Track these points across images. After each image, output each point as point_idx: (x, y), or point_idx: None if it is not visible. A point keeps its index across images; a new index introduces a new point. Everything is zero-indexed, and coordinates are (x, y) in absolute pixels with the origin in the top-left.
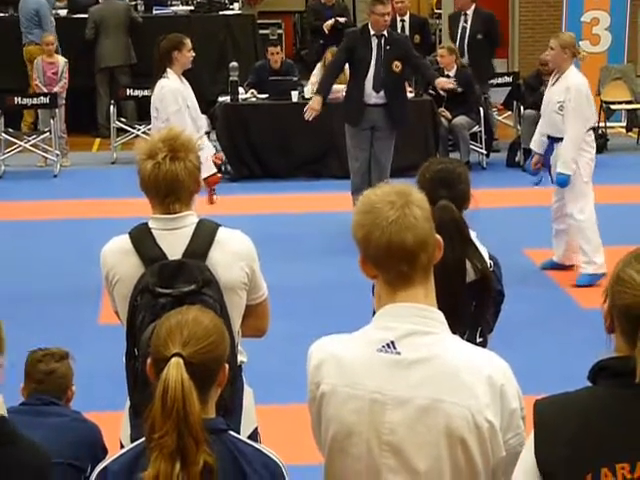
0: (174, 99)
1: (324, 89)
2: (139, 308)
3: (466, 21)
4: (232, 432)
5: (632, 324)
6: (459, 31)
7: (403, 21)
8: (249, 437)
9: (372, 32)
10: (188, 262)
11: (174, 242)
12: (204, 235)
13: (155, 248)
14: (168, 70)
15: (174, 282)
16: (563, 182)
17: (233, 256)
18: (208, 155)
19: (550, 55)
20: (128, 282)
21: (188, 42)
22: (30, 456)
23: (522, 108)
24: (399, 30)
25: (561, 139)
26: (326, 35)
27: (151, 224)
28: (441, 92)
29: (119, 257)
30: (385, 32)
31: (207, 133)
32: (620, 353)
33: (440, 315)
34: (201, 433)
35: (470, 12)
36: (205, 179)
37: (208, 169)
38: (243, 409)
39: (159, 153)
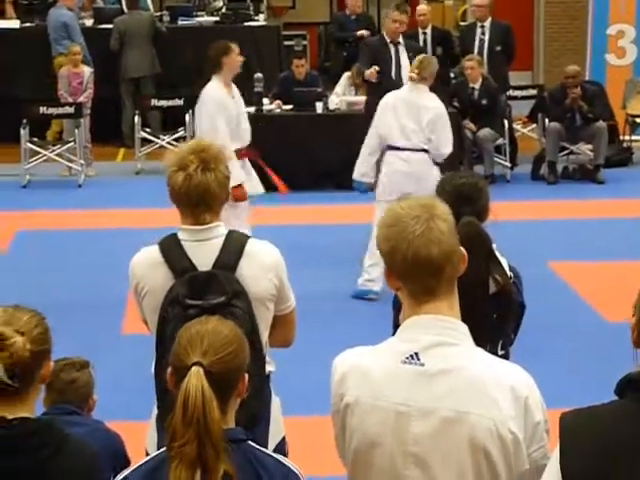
0: (208, 103)
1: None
2: (169, 319)
3: (483, 33)
4: (252, 442)
5: None
6: (476, 43)
7: (425, 33)
8: (277, 446)
9: (388, 40)
10: (218, 274)
11: (204, 253)
12: (233, 247)
13: (185, 259)
14: (213, 77)
15: (204, 294)
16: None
17: (262, 268)
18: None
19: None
20: (157, 293)
21: (235, 47)
22: (81, 458)
23: (547, 121)
24: (421, 42)
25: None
26: (350, 48)
27: (180, 235)
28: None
29: (148, 268)
30: (401, 40)
31: None
32: None
33: (464, 327)
34: (221, 442)
35: (487, 24)
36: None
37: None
38: (271, 418)
39: (190, 165)
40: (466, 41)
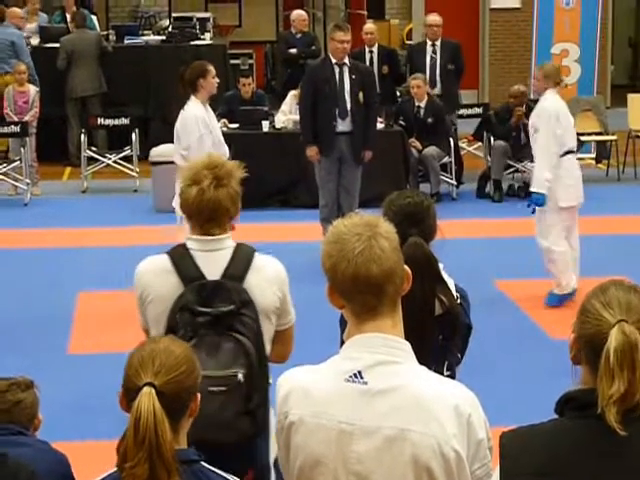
0: (195, 126)
1: (311, 135)
2: (178, 326)
3: (435, 52)
4: (204, 463)
5: (595, 354)
6: (428, 62)
7: (371, 52)
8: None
9: (333, 61)
10: (226, 283)
11: (212, 263)
12: (242, 259)
13: (194, 268)
14: (192, 97)
15: (212, 302)
16: (538, 201)
17: (268, 281)
18: None
19: (534, 85)
20: (164, 301)
21: (212, 69)
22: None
23: (492, 139)
24: (367, 61)
25: None
26: (294, 64)
27: (190, 244)
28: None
29: (156, 276)
30: (347, 61)
31: None
32: (586, 384)
33: (407, 346)
34: (173, 463)
35: (438, 43)
36: None
37: None
38: (271, 430)
39: (204, 180)
40: (416, 60)
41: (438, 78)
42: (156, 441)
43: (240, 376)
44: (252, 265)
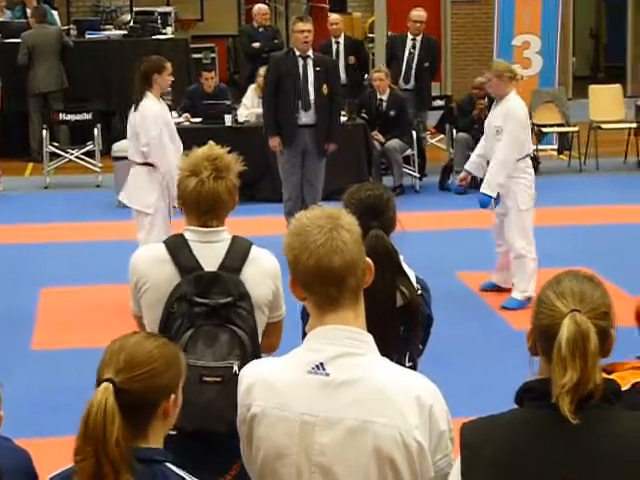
0: (154, 122)
1: (274, 126)
2: (175, 315)
3: (414, 47)
4: (169, 464)
5: (550, 344)
6: (405, 55)
7: (338, 43)
8: None
9: (297, 53)
10: (223, 275)
11: (209, 255)
12: (239, 251)
13: (191, 258)
14: (147, 93)
15: (209, 293)
16: (484, 203)
17: (263, 274)
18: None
19: (489, 87)
20: (160, 289)
21: (169, 66)
22: None
23: (454, 131)
24: (334, 52)
25: None
26: (257, 58)
27: (187, 235)
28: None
29: (152, 265)
30: (311, 53)
31: None
32: (543, 374)
33: (369, 337)
34: (121, 461)
35: (419, 38)
36: None
37: None
38: None
39: (203, 171)
40: (395, 51)
41: (413, 73)
42: (103, 437)
43: (235, 368)
44: (249, 258)
